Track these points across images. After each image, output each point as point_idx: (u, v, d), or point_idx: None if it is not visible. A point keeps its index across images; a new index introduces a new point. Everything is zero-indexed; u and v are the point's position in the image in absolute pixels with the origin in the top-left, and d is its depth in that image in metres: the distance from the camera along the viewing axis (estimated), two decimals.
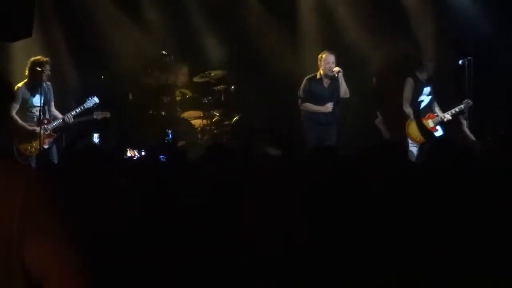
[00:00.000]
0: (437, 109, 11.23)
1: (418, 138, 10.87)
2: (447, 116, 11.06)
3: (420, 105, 11.17)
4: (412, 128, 10.97)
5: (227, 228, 4.43)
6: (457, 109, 10.96)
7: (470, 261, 3.85)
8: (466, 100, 10.86)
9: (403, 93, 11.22)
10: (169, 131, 11.39)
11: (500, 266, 3.82)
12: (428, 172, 4.66)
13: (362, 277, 3.94)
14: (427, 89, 11.22)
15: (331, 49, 11.13)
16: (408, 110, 11.13)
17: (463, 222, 4.05)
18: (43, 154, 10.29)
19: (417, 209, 4.16)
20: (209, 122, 12.23)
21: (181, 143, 11.86)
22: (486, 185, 4.35)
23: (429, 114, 11.17)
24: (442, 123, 11.13)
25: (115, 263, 4.14)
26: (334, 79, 10.93)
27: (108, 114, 10.71)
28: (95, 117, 10.62)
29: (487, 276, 3.81)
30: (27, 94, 10.37)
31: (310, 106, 11.06)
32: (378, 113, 11.74)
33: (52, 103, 10.64)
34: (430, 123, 11.04)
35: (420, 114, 10.71)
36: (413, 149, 10.89)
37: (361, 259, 3.98)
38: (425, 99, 11.24)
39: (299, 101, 11.16)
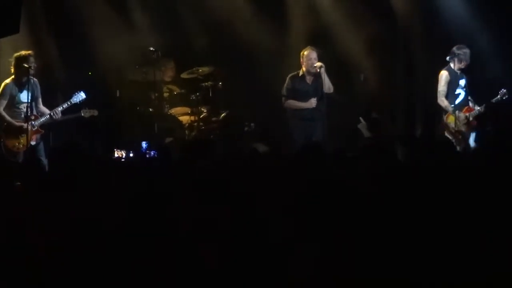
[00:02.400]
0: (471, 103, 10.96)
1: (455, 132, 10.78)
2: (482, 109, 10.82)
3: (457, 99, 10.94)
4: (451, 120, 10.86)
5: (216, 225, 4.44)
6: (493, 100, 10.76)
7: (461, 261, 3.87)
8: (502, 91, 10.72)
9: (437, 86, 10.94)
10: (144, 143, 11.35)
11: (491, 266, 3.85)
12: (417, 171, 4.69)
13: (351, 276, 3.96)
14: (462, 82, 10.92)
15: (319, 46, 11.16)
16: (445, 103, 10.86)
17: (453, 221, 4.07)
18: (30, 151, 10.28)
19: (406, 207, 4.18)
20: (196, 118, 12.22)
21: (168, 140, 11.87)
22: (475, 184, 4.37)
23: (467, 107, 10.92)
24: (478, 117, 10.89)
25: (107, 263, 4.16)
26: (317, 75, 10.96)
27: (95, 112, 10.68)
28: (82, 115, 10.60)
29: (481, 276, 3.84)
30: (15, 90, 10.35)
31: (293, 103, 11.10)
32: (360, 118, 11.61)
33: (40, 100, 10.59)
34: (469, 116, 10.84)
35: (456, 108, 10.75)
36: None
37: (350, 258, 4.00)
38: (461, 92, 10.95)
39: (283, 99, 11.17)
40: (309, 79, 11.07)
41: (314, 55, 10.97)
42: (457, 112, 10.82)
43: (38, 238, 4.23)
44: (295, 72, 11.15)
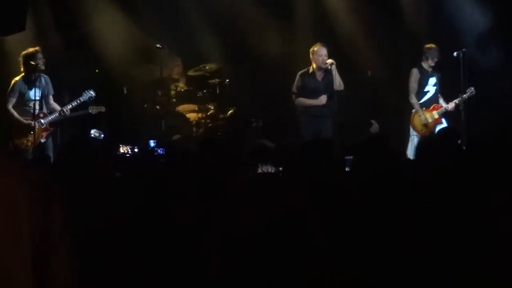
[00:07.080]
0: (441, 100, 11.19)
1: (423, 130, 10.93)
2: (451, 106, 11.05)
3: (425, 96, 11.20)
4: (417, 119, 11.12)
5: (221, 223, 4.43)
6: (460, 99, 10.90)
7: (461, 260, 3.85)
8: (469, 89, 10.89)
9: (408, 83, 11.22)
10: (152, 141, 11.33)
11: (493, 265, 3.83)
12: (420, 167, 4.66)
13: (353, 275, 3.95)
14: (432, 80, 11.17)
15: (325, 41, 11.06)
16: (414, 101, 11.16)
17: (456, 219, 4.05)
18: (39, 148, 10.32)
19: (408, 205, 4.16)
20: (204, 115, 12.23)
21: (176, 137, 11.88)
22: (479, 181, 4.34)
23: (434, 105, 11.18)
24: (445, 114, 11.12)
25: (110, 258, 4.16)
26: (327, 72, 10.82)
27: (103, 109, 10.71)
28: (90, 111, 10.61)
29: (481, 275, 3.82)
30: (24, 88, 10.38)
31: (303, 101, 10.97)
32: (373, 121, 11.65)
33: (51, 97, 10.62)
34: (435, 114, 11.11)
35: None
36: (415, 139, 10.92)
37: (356, 256, 3.98)
38: (430, 89, 11.20)
39: (293, 96, 11.06)
40: (319, 75, 10.93)
41: (324, 51, 10.82)
42: (420, 111, 11.12)
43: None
44: (305, 69, 10.99)
